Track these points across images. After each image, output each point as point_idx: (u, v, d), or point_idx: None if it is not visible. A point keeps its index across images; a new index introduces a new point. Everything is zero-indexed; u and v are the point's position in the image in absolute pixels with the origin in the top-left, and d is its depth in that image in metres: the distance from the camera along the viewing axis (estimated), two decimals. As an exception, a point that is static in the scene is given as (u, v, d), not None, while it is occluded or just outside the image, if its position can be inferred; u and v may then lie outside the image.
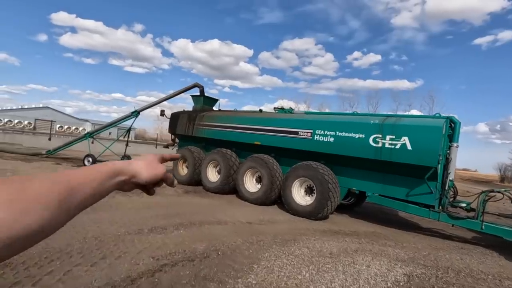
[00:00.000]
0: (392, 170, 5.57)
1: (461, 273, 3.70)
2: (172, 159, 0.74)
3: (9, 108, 39.99)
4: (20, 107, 40.75)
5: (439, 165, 5.10)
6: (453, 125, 5.64)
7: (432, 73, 70.26)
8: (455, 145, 5.57)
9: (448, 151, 5.48)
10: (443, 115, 5.70)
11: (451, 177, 5.48)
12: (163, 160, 0.70)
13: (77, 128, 34.72)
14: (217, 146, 7.96)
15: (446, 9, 66.92)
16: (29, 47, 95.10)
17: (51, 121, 24.36)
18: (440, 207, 5.34)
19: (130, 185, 0.59)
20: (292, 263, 3.41)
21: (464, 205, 5.40)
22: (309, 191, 6.22)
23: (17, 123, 31.07)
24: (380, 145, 5.42)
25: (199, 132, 8.48)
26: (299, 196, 6.21)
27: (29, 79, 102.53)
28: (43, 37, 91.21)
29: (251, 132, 7.27)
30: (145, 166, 0.61)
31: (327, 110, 36.80)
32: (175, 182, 0.74)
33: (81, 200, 0.46)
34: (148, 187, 0.65)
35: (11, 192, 0.37)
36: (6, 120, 30.31)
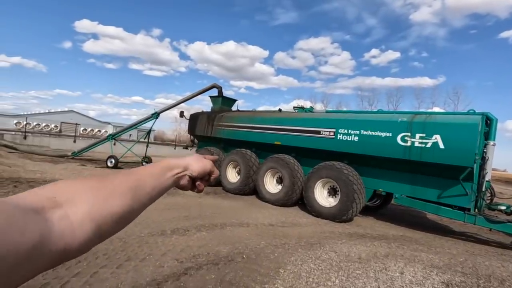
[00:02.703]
0: (422, 171, 5.27)
1: (506, 282, 3.39)
2: (212, 160, 0.79)
3: (37, 112, 42.04)
4: (47, 111, 42.69)
5: (475, 165, 4.76)
6: (489, 121, 5.26)
7: (455, 69, 66.49)
8: (491, 143, 5.19)
9: (484, 150, 5.11)
10: (478, 111, 5.33)
11: (487, 177, 5.10)
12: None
13: (99, 131, 35.91)
14: (236, 147, 7.89)
15: (468, 3, 63.16)
16: (55, 54, 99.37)
17: (76, 124, 25.29)
18: (476, 209, 4.99)
19: (185, 178, 0.66)
20: (320, 268, 3.26)
21: (503, 207, 5.01)
22: (332, 192, 6.01)
23: (44, 126, 32.53)
24: (409, 144, 5.13)
25: (218, 132, 8.45)
26: (322, 197, 6.01)
27: (55, 84, 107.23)
28: (68, 44, 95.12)
29: (271, 132, 7.14)
30: (194, 160, 0.70)
31: (344, 109, 36.00)
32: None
33: (148, 190, 0.54)
34: (197, 181, 0.71)
35: (97, 181, 0.47)
36: (34, 123, 31.78)
